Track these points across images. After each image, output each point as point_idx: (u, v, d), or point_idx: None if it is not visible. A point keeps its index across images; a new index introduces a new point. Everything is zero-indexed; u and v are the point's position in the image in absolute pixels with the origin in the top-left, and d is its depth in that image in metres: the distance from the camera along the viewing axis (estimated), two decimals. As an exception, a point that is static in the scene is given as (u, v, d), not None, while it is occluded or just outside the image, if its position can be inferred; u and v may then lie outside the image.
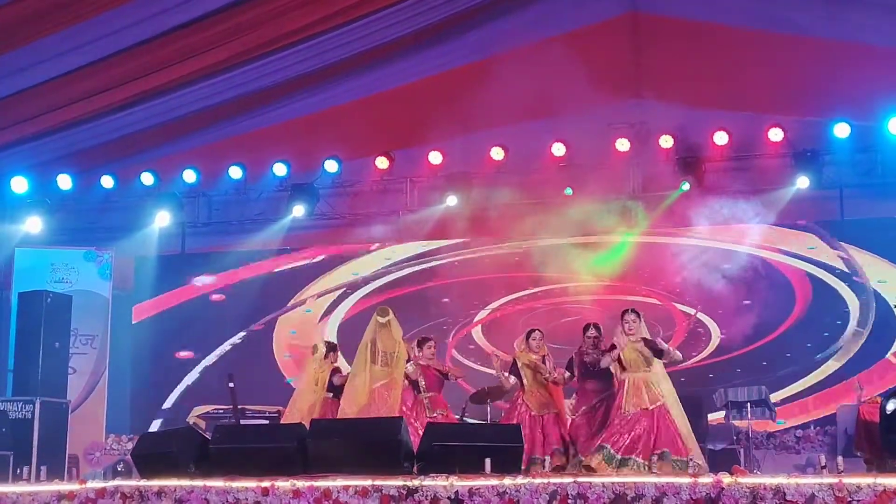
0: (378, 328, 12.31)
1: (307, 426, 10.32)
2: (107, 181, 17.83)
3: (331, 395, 12.64)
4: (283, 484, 8.83)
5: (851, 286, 15.95)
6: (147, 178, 17.78)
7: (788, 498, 8.10)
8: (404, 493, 8.60)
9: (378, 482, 8.70)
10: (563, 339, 13.77)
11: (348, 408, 11.93)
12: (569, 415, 12.37)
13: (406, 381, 12.62)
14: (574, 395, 12.54)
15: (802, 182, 16.09)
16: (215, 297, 18.16)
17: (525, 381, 12.41)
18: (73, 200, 18.15)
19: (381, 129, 16.98)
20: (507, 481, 8.56)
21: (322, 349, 12.97)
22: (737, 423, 14.37)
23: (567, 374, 12.36)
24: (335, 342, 13.51)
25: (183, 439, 10.14)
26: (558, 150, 16.70)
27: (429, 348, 12.96)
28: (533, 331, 12.70)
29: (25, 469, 11.28)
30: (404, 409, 12.45)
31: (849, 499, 8.05)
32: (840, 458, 9.22)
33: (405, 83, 16.54)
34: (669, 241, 16.76)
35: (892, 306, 11.15)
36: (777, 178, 16.34)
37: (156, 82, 15.34)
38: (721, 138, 16.28)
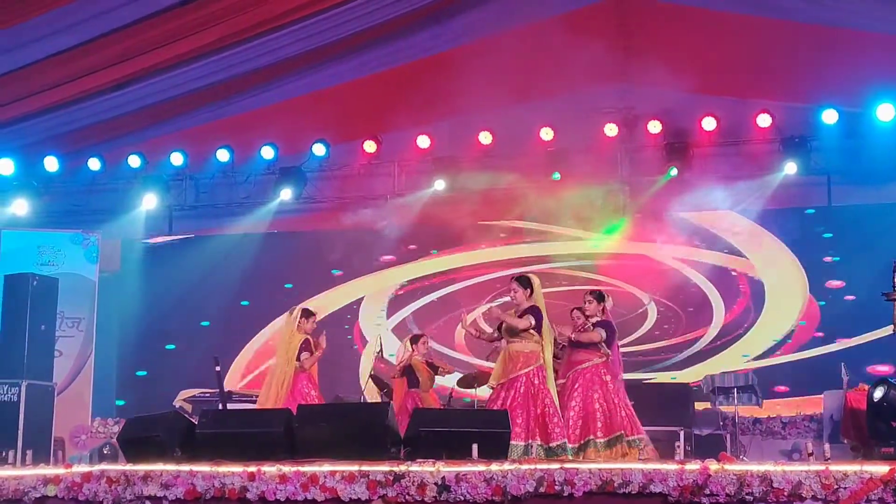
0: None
1: (285, 407, 10.35)
2: (94, 163, 17.78)
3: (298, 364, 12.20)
4: (270, 469, 8.81)
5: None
6: (134, 161, 17.75)
7: (775, 485, 8.10)
8: (391, 478, 8.59)
9: (365, 468, 8.68)
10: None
11: None
12: None
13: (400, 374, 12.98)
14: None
15: (790, 168, 16.13)
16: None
17: None
18: (60, 183, 18.12)
19: (369, 113, 16.96)
20: (495, 467, 8.55)
21: (296, 312, 12.44)
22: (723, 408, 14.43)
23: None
24: (313, 310, 12.77)
25: (169, 423, 10.10)
26: (546, 134, 16.68)
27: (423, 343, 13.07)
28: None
29: (11, 452, 11.21)
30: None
31: (835, 486, 8.06)
32: (827, 445, 9.24)
33: (393, 66, 16.51)
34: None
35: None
36: (765, 164, 16.37)
37: (144, 64, 15.29)
38: (709, 124, 16.28)
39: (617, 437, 11.16)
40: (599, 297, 11.73)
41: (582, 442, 11.09)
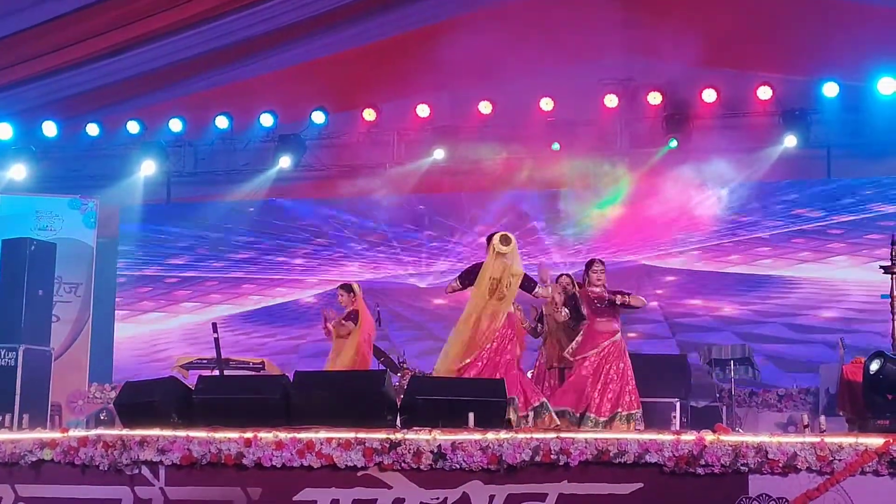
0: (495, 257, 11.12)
1: (282, 374, 10.35)
2: (92, 129, 17.75)
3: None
4: (266, 435, 8.84)
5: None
6: (133, 127, 17.71)
7: (770, 456, 8.13)
8: (387, 446, 8.61)
9: (361, 435, 8.71)
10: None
11: (452, 347, 11.01)
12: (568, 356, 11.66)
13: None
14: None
15: (790, 141, 16.11)
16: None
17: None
18: (59, 148, 18.08)
19: (369, 81, 16.91)
20: (491, 436, 8.57)
21: (343, 291, 12.83)
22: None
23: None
24: (353, 284, 13.07)
25: (166, 389, 10.11)
26: (546, 104, 16.63)
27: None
28: (594, 261, 11.75)
29: (8, 417, 11.20)
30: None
31: (830, 458, 8.10)
32: (822, 418, 9.26)
33: (394, 35, 16.45)
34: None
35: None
36: (765, 137, 16.34)
37: (143, 29, 15.24)
38: (710, 96, 16.24)
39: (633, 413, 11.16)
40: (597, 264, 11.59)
41: (611, 415, 11.08)
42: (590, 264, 11.67)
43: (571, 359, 11.52)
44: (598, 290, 11.47)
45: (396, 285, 17.54)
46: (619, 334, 11.48)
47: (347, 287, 12.88)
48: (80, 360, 17.09)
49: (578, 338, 11.52)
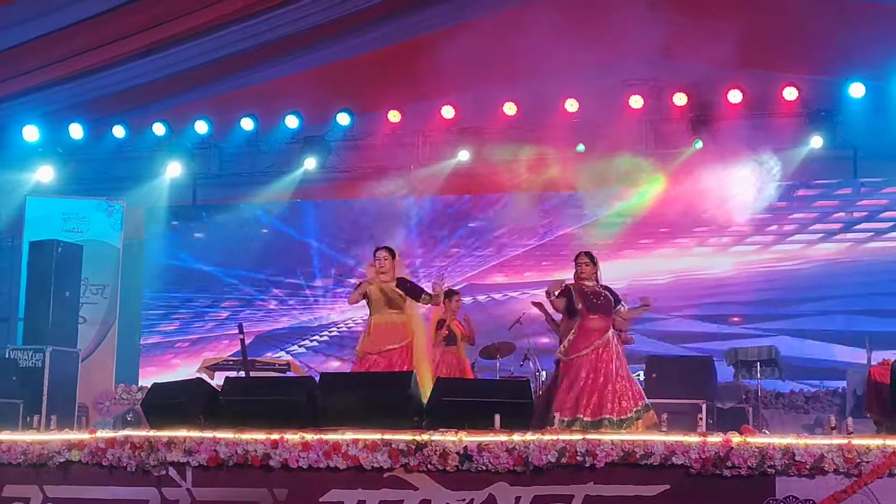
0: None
1: (309, 375, 10.38)
2: (119, 131, 17.80)
3: (450, 346, 12.77)
4: (293, 437, 8.85)
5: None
6: (159, 129, 17.76)
7: (797, 458, 8.10)
8: (413, 447, 8.61)
9: (387, 436, 8.71)
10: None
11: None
12: (561, 355, 11.29)
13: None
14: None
15: (816, 142, 16.07)
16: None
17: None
18: (85, 150, 18.14)
19: (394, 83, 16.91)
20: (517, 437, 8.57)
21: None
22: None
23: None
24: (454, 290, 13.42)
25: (193, 390, 10.14)
26: (571, 106, 16.61)
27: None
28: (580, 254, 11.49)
29: (35, 418, 11.27)
30: None
31: (858, 460, 8.06)
32: (850, 419, 9.22)
33: (418, 37, 16.46)
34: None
35: None
36: (791, 138, 16.29)
37: (169, 32, 15.27)
38: (735, 96, 16.19)
39: (637, 411, 11.01)
40: (594, 258, 11.30)
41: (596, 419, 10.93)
42: (577, 256, 11.41)
43: (564, 358, 11.23)
44: (590, 283, 11.27)
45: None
46: (612, 331, 11.18)
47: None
48: (106, 361, 17.17)
49: (570, 336, 11.22)
